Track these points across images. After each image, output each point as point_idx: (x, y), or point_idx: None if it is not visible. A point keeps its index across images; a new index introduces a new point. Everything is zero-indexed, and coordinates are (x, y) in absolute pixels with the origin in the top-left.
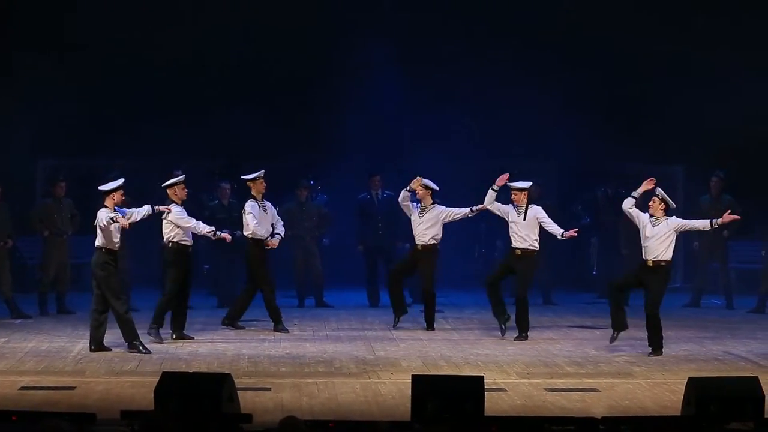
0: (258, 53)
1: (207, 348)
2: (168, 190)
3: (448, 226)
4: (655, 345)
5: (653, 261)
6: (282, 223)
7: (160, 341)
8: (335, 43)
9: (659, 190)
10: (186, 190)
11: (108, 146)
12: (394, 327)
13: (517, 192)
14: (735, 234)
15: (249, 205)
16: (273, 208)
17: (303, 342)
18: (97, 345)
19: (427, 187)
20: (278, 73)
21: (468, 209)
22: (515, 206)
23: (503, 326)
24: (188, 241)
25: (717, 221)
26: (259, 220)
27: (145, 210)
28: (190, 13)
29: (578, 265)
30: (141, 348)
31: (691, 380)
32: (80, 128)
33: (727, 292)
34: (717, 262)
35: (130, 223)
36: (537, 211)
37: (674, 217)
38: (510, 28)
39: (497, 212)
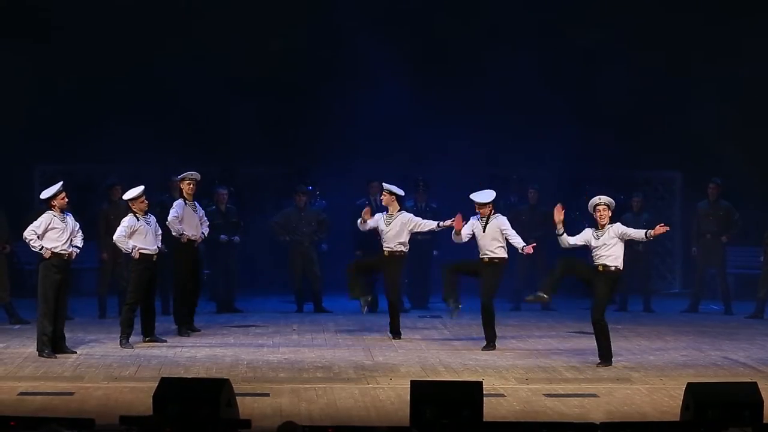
0: (259, 57)
1: (205, 353)
2: (129, 202)
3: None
4: (604, 354)
5: (602, 265)
6: (207, 224)
7: (131, 347)
8: (338, 47)
9: (604, 198)
10: (146, 202)
11: (104, 152)
12: (363, 312)
13: (480, 207)
14: (733, 239)
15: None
16: (201, 209)
17: (302, 347)
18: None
19: (391, 193)
20: (279, 78)
21: (435, 224)
22: (478, 218)
23: (451, 307)
24: (150, 249)
25: (651, 232)
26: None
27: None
28: (188, 15)
29: None
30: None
31: (689, 386)
32: (77, 134)
33: (725, 298)
34: (715, 268)
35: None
36: (500, 222)
37: (618, 223)
38: (512, 35)
39: (466, 237)
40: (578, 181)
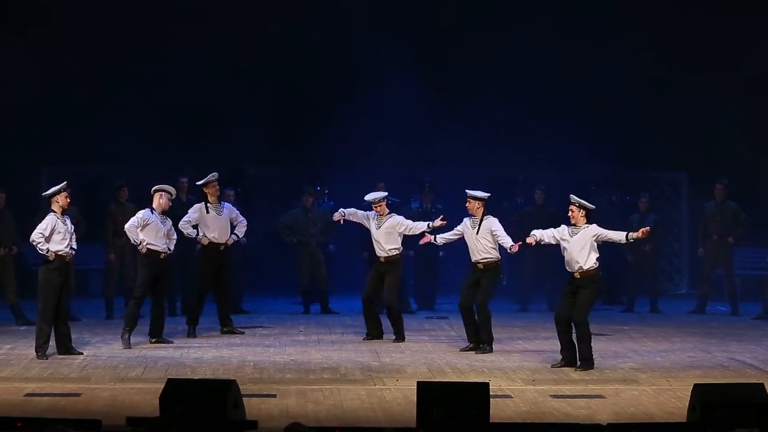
0: (267, 56)
1: (212, 354)
2: (153, 194)
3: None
4: (585, 357)
5: (580, 273)
6: (245, 224)
7: (128, 347)
8: (346, 48)
9: (573, 197)
10: (170, 204)
11: (112, 153)
12: (365, 339)
13: (471, 200)
14: (740, 240)
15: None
16: (231, 210)
17: (308, 348)
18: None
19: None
20: (287, 79)
21: (426, 224)
22: (470, 217)
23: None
24: (159, 246)
25: (633, 235)
26: (213, 223)
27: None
28: (197, 16)
29: None
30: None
31: (696, 387)
32: (84, 135)
33: (732, 299)
34: (722, 269)
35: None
36: (491, 223)
37: (594, 225)
38: (517, 35)
39: (455, 236)
40: (585, 182)
